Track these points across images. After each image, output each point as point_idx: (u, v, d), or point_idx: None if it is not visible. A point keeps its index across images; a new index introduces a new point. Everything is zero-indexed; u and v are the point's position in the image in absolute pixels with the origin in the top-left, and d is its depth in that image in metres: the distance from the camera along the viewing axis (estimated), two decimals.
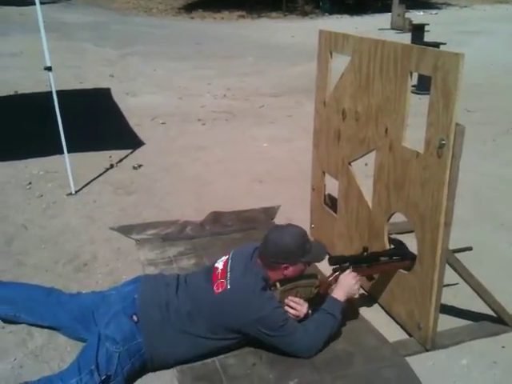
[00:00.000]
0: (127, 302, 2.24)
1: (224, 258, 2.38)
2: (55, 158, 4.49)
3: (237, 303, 2.19)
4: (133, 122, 6.02)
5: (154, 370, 2.21)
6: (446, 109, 2.05)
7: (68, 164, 4.01)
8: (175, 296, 2.28)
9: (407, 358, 2.28)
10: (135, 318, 2.18)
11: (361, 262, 2.47)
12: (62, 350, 2.35)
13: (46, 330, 2.46)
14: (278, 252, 2.26)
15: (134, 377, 2.16)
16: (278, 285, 2.30)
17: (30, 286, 2.56)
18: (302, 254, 2.29)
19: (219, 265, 2.35)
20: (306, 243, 2.31)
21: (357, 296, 2.51)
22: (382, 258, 2.52)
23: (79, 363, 2.06)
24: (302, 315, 2.30)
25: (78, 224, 3.60)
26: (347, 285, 2.35)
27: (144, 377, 2.19)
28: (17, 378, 2.17)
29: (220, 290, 2.22)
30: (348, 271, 2.39)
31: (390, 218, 2.55)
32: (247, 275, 2.24)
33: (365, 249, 2.49)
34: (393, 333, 2.47)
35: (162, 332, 2.18)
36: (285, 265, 2.28)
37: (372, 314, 2.62)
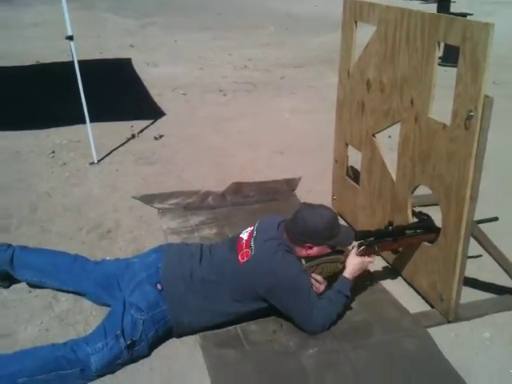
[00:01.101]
0: (151, 271, 2.27)
1: (249, 229, 2.39)
2: (77, 127, 4.52)
3: (261, 268, 2.21)
4: (154, 92, 6.01)
5: (179, 336, 2.25)
6: (475, 80, 2.00)
7: (90, 133, 4.04)
8: (199, 266, 2.31)
9: (429, 330, 2.28)
10: (159, 286, 2.22)
11: (386, 236, 2.45)
12: (87, 315, 2.41)
13: (71, 295, 2.51)
14: (306, 231, 2.26)
15: (158, 342, 2.21)
16: (303, 261, 2.30)
17: (56, 252, 2.61)
18: (328, 237, 2.28)
19: (244, 235, 2.36)
20: (335, 227, 2.30)
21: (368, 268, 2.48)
22: (407, 231, 2.50)
23: (105, 328, 2.11)
24: (318, 293, 2.31)
25: (100, 193, 3.64)
26: (353, 264, 2.35)
27: (167, 342, 2.23)
28: (43, 340, 2.23)
29: (245, 259, 2.24)
30: (353, 251, 2.38)
31: (414, 190, 2.52)
32: (271, 242, 2.26)
33: (390, 223, 2.47)
34: (415, 305, 2.47)
35: (186, 301, 2.22)
36: (309, 244, 2.28)
37: (394, 286, 2.62)
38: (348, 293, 2.31)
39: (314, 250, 2.29)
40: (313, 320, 2.23)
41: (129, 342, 2.07)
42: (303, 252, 2.30)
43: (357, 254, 2.37)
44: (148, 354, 2.16)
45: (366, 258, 2.37)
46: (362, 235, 2.45)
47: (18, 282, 2.58)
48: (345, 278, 2.33)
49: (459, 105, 2.09)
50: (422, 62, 2.31)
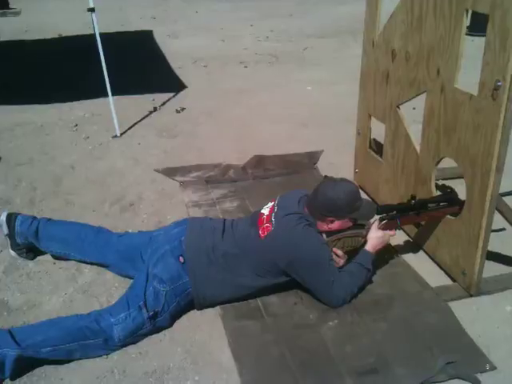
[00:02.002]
0: (174, 244, 2.29)
1: (270, 205, 2.39)
2: (99, 100, 4.54)
3: (282, 241, 2.21)
4: (175, 64, 5.99)
5: (200, 308, 2.28)
6: (504, 49, 1.92)
7: (113, 107, 4.05)
8: (221, 240, 2.32)
9: (450, 304, 2.27)
10: (181, 259, 2.24)
11: (408, 210, 2.42)
12: (110, 286, 2.45)
13: (94, 267, 2.56)
14: (327, 205, 2.24)
15: (180, 314, 2.24)
16: (324, 236, 2.29)
17: (80, 224, 2.65)
18: (350, 211, 2.26)
19: (265, 211, 2.36)
20: (356, 200, 2.28)
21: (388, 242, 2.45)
22: (430, 205, 2.47)
23: (128, 299, 2.15)
24: (339, 267, 2.30)
25: (123, 166, 3.67)
26: (375, 238, 2.34)
27: (189, 313, 2.26)
28: (68, 311, 2.29)
29: (266, 234, 2.24)
30: (374, 224, 2.35)
31: (438, 163, 2.47)
32: (292, 216, 2.25)
33: (413, 197, 2.43)
34: (436, 279, 2.45)
35: (208, 274, 2.23)
36: (331, 218, 2.26)
37: (416, 260, 2.60)
38: (369, 266, 2.30)
39: (336, 224, 2.28)
40: (333, 293, 2.23)
41: (151, 313, 2.11)
42: (325, 226, 2.29)
43: (378, 228, 2.35)
44: (170, 325, 2.20)
45: (388, 232, 2.36)
46: (384, 209, 2.43)
47: (43, 253, 2.64)
48: (366, 251, 2.32)
49: (487, 74, 2.03)
50: (449, 30, 2.23)
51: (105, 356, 2.05)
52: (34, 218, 2.61)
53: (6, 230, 2.56)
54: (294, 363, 1.98)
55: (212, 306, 2.29)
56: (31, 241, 2.56)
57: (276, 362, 2.00)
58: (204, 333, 2.16)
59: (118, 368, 1.99)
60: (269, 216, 2.30)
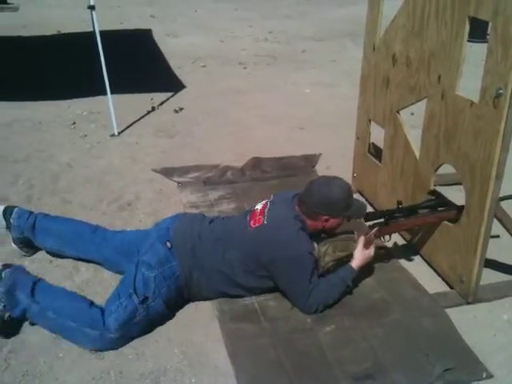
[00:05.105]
0: (162, 232, 2.31)
1: (264, 201, 2.39)
2: (98, 98, 4.52)
3: (271, 237, 2.21)
4: (174, 64, 5.97)
5: (190, 297, 2.28)
6: (505, 57, 1.93)
7: (111, 105, 4.03)
8: (208, 226, 2.34)
9: (447, 310, 2.27)
10: (169, 244, 2.23)
11: (397, 216, 2.43)
12: (107, 285, 2.43)
13: (91, 265, 2.54)
14: (324, 203, 2.23)
15: (175, 301, 2.22)
16: (314, 244, 2.27)
17: (77, 221, 2.64)
18: (345, 208, 2.26)
19: (258, 206, 2.36)
20: (350, 198, 2.29)
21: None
22: (422, 211, 2.47)
23: (118, 291, 2.17)
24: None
25: (121, 165, 3.66)
26: (361, 256, 2.31)
27: (186, 315, 2.26)
28: None
29: (256, 225, 2.24)
30: (361, 242, 2.31)
31: (437, 169, 2.48)
32: (286, 215, 2.25)
33: (399, 202, 2.45)
34: (433, 285, 2.45)
35: (194, 257, 2.23)
36: (326, 216, 2.25)
37: (413, 266, 2.60)
38: (350, 283, 2.29)
39: (330, 223, 2.27)
40: (308, 302, 2.22)
41: (141, 298, 2.11)
42: (318, 225, 2.27)
43: (373, 234, 2.35)
44: (166, 312, 2.19)
45: (368, 251, 2.33)
46: (372, 216, 2.44)
47: (40, 251, 2.62)
48: (351, 267, 2.31)
49: (488, 82, 2.03)
50: (451, 37, 2.24)
51: (101, 356, 2.04)
52: (31, 212, 2.60)
53: (3, 224, 2.55)
54: (291, 367, 1.97)
55: (201, 296, 2.29)
56: (27, 235, 2.54)
57: (272, 365, 1.99)
58: (201, 335, 2.15)
59: (114, 369, 1.98)
60: (262, 210, 2.30)
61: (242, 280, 2.26)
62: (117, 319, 2.07)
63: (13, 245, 2.57)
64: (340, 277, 2.28)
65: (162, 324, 2.20)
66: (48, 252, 2.61)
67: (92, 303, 2.17)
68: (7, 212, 2.56)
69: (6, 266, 2.26)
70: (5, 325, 2.10)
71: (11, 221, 2.54)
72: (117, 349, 2.08)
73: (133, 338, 2.12)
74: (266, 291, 2.34)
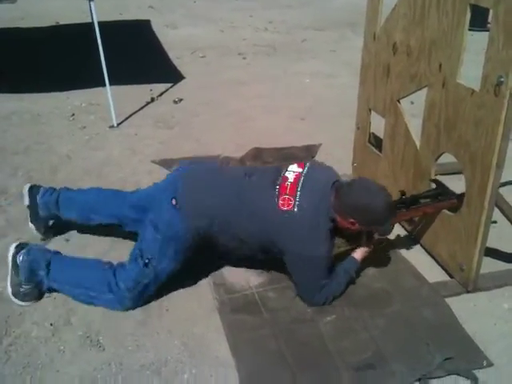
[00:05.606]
0: (169, 187, 2.25)
1: (296, 171, 2.17)
2: (97, 90, 4.49)
3: (297, 230, 2.08)
4: (173, 55, 5.93)
5: (198, 251, 2.25)
6: (507, 45, 1.91)
7: (110, 97, 4.01)
8: (226, 183, 2.22)
9: (448, 299, 2.27)
10: (174, 201, 2.16)
11: (400, 206, 2.41)
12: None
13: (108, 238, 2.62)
14: (360, 209, 2.09)
15: (183, 258, 2.21)
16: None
17: (98, 188, 2.70)
18: (378, 223, 2.16)
19: (290, 176, 2.15)
20: (389, 215, 2.17)
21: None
22: (423, 200, 2.46)
23: (130, 252, 2.24)
24: None
25: (120, 156, 3.64)
26: (365, 250, 2.32)
27: (186, 306, 2.26)
28: (66, 304, 2.26)
29: (285, 208, 2.07)
30: (364, 234, 2.29)
31: (438, 158, 2.47)
32: (318, 210, 2.09)
33: (402, 193, 2.44)
34: (434, 274, 2.45)
35: (205, 217, 2.15)
36: (355, 221, 2.11)
37: (413, 255, 2.60)
38: (354, 274, 2.29)
39: (355, 227, 2.14)
40: (317, 297, 2.21)
41: (146, 261, 2.14)
42: (344, 223, 2.14)
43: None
44: (176, 270, 2.21)
45: (368, 248, 2.33)
46: None
47: (61, 234, 2.71)
48: (354, 259, 2.30)
49: (489, 70, 2.01)
50: (452, 25, 2.22)
51: (102, 348, 2.04)
52: (54, 189, 2.66)
53: (27, 201, 2.59)
54: (292, 357, 1.98)
55: (205, 243, 2.22)
56: (54, 212, 2.58)
57: (273, 355, 1.99)
58: (201, 326, 2.15)
59: (114, 360, 1.98)
60: (293, 186, 2.10)
61: (255, 247, 2.22)
62: (126, 282, 2.14)
63: (30, 224, 2.61)
64: (345, 269, 2.27)
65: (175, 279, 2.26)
66: (76, 222, 2.65)
67: (108, 266, 2.24)
68: (33, 190, 2.61)
69: (20, 246, 2.29)
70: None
71: (37, 198, 2.59)
72: (143, 305, 2.21)
73: (152, 297, 2.22)
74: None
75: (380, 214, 2.12)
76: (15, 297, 2.22)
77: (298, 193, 2.09)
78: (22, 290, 2.21)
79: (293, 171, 2.18)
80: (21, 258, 2.23)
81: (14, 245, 2.29)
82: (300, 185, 2.11)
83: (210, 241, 2.23)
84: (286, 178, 2.15)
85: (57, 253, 2.35)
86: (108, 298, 2.18)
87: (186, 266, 2.27)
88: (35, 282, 2.23)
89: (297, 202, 2.07)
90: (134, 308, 2.20)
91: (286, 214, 2.08)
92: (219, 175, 2.31)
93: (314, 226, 2.09)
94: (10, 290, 2.22)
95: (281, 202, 2.08)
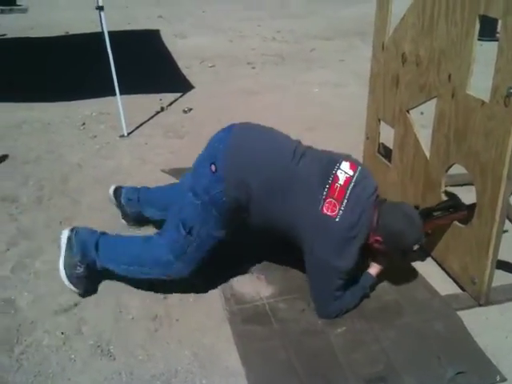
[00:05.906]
0: (210, 151, 2.23)
1: (348, 173, 2.12)
2: (107, 99, 4.52)
3: (330, 236, 2.07)
4: (182, 64, 5.97)
5: (239, 223, 2.23)
6: None
7: (120, 106, 4.04)
8: (274, 162, 2.13)
9: (459, 312, 2.26)
10: (213, 167, 2.10)
11: None
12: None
13: None
14: (393, 233, 2.12)
15: (228, 224, 2.22)
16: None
17: (165, 186, 2.83)
18: (402, 250, 2.25)
19: (341, 177, 2.09)
20: (415, 246, 2.24)
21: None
22: (435, 213, 2.45)
23: (169, 222, 2.30)
24: None
25: (130, 165, 3.66)
26: (380, 266, 2.33)
27: (196, 317, 2.26)
28: (75, 310, 2.29)
29: (328, 213, 2.04)
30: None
31: (448, 169, 2.46)
32: (358, 225, 2.07)
33: (416, 207, 2.43)
34: (445, 287, 2.44)
35: (245, 192, 2.11)
36: (382, 242, 2.14)
37: (424, 267, 2.59)
38: (368, 289, 2.31)
39: (378, 246, 2.17)
40: (330, 307, 2.21)
41: (187, 230, 2.15)
42: (371, 238, 2.14)
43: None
44: (222, 235, 2.21)
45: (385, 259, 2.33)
46: None
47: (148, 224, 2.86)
48: (370, 275, 2.31)
49: (499, 81, 2.01)
50: (461, 35, 2.22)
51: (112, 357, 2.04)
52: (136, 188, 2.82)
53: (114, 202, 2.83)
54: (301, 368, 1.97)
55: (240, 217, 2.19)
56: (139, 210, 2.75)
57: (283, 366, 1.99)
58: (211, 337, 2.15)
59: (125, 370, 1.99)
60: (342, 191, 2.05)
61: (281, 235, 2.22)
62: (172, 252, 2.18)
63: (122, 220, 2.83)
64: (360, 284, 2.28)
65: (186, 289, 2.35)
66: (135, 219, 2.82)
67: (153, 239, 2.30)
68: (117, 192, 2.81)
69: (72, 230, 2.36)
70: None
71: (121, 200, 2.79)
72: (195, 271, 2.25)
73: (204, 259, 2.24)
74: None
75: (410, 243, 2.20)
76: (69, 279, 2.27)
77: (345, 201, 2.05)
78: (76, 271, 2.28)
79: (345, 172, 2.12)
80: (73, 241, 2.30)
81: (67, 228, 2.37)
82: (348, 192, 2.07)
83: (244, 216, 2.19)
84: (337, 179, 2.09)
85: (103, 233, 2.41)
86: (161, 270, 2.25)
87: (196, 276, 2.29)
88: (87, 262, 2.29)
89: (341, 211, 2.04)
90: (190, 274, 2.25)
91: (326, 218, 2.04)
92: (265, 144, 2.21)
93: (349, 239, 2.08)
94: (63, 272, 2.27)
95: (326, 205, 2.04)
